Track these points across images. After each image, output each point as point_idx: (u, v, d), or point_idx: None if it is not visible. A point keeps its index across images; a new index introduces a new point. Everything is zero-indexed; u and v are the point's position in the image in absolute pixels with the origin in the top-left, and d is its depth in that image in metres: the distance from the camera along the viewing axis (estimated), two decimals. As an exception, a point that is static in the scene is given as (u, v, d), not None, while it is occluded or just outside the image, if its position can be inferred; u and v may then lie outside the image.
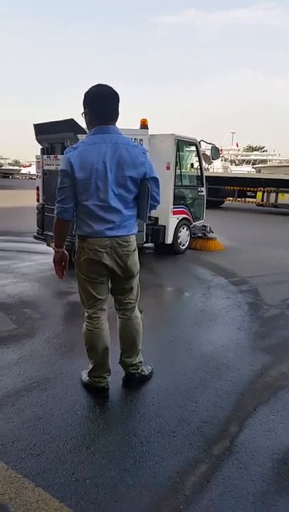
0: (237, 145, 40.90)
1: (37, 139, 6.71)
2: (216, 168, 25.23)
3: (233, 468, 2.14)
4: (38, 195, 6.87)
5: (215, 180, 16.97)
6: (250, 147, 52.02)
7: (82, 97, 2.45)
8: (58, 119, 6.01)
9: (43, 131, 6.54)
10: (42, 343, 3.52)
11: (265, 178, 18.68)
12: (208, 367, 3.23)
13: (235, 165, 32.53)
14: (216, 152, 9.02)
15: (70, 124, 5.57)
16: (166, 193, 7.28)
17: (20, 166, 61.60)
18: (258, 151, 46.38)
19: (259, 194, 17.95)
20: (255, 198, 18.27)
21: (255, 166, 27.79)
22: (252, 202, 19.14)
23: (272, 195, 17.60)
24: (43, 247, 7.89)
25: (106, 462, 2.13)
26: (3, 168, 43.60)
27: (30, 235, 9.20)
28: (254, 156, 35.46)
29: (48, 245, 6.55)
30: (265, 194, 17.82)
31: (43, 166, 6.60)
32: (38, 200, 6.88)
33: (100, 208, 2.42)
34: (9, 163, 55.72)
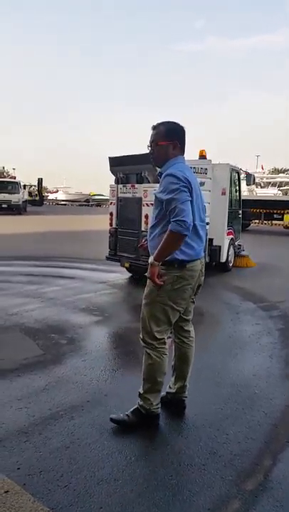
0: (262, 168, 40.74)
1: (111, 170, 7.41)
2: (242, 191, 25.16)
3: (268, 505, 2.03)
4: (111, 220, 7.47)
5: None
6: (275, 169, 51.75)
7: (165, 130, 2.60)
8: (133, 154, 6.77)
9: (118, 163, 7.27)
10: (68, 369, 3.50)
11: (292, 200, 18.51)
12: (238, 396, 3.13)
13: (261, 187, 32.29)
14: (249, 179, 9.91)
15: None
16: (222, 215, 7.94)
17: (47, 192, 63.17)
18: (283, 173, 46.08)
19: (287, 217, 17.81)
20: (283, 220, 18.10)
21: (281, 188, 27.55)
22: (279, 224, 18.95)
23: (301, 218, 17.40)
24: (69, 271, 8.01)
25: (135, 496, 2.05)
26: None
27: (58, 259, 9.39)
28: (280, 178, 35.12)
29: (122, 265, 7.22)
30: (293, 216, 17.64)
31: (117, 194, 7.22)
32: (111, 225, 7.45)
33: (201, 227, 2.59)
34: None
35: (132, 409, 2.69)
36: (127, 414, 2.68)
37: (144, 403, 2.65)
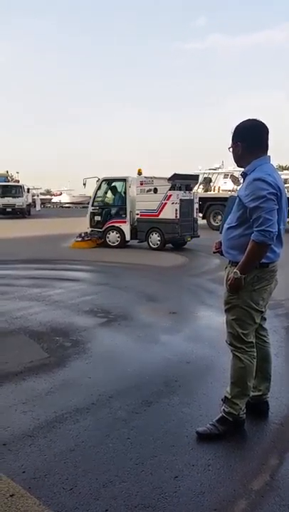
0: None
1: (173, 182, 10.94)
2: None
3: (275, 505, 2.01)
4: (176, 213, 10.88)
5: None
6: (280, 166, 51.54)
7: (234, 131, 2.53)
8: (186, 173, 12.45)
9: (179, 178, 11.20)
10: (73, 372, 3.49)
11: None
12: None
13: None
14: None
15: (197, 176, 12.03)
16: None
17: (51, 195, 63.38)
18: (287, 170, 45.86)
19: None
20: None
21: (286, 185, 27.43)
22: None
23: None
24: (73, 273, 8.03)
25: (140, 498, 2.04)
26: (34, 197, 45.21)
27: (60, 262, 9.41)
28: (284, 175, 34.94)
29: (186, 240, 11.51)
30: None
31: (179, 197, 10.95)
32: (176, 217, 10.86)
33: (283, 231, 2.50)
34: (41, 193, 57.33)
35: (217, 419, 2.60)
36: (213, 425, 2.58)
37: (233, 409, 2.56)
